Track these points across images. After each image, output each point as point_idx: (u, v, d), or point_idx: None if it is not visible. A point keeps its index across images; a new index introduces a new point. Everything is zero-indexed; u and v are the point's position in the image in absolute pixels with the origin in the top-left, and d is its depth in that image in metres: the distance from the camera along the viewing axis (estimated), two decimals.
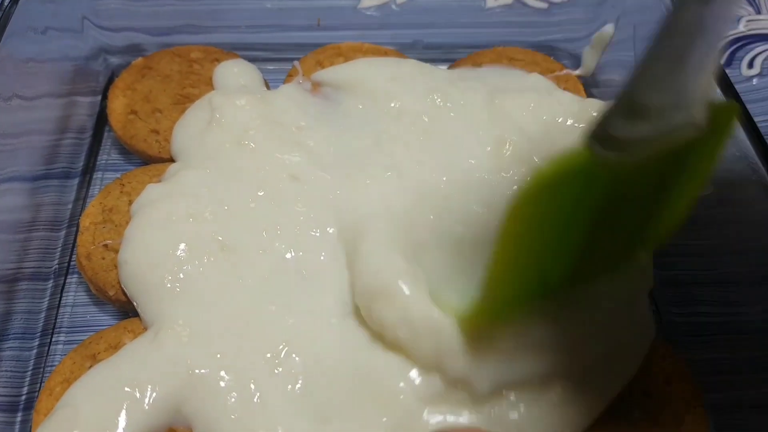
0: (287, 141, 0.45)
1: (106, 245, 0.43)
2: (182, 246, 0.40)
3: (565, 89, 0.50)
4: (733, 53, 0.58)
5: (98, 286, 0.42)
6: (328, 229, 0.42)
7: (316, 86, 0.50)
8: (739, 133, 0.39)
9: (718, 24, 0.25)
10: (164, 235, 0.41)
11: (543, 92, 0.48)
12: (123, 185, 0.46)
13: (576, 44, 0.57)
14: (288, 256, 0.41)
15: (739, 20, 0.60)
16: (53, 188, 0.47)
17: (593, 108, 0.47)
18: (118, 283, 0.41)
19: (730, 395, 0.39)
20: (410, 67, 0.51)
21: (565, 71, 0.54)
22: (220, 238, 0.41)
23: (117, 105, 0.50)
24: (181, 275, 0.39)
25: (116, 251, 0.42)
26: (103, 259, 0.42)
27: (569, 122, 0.46)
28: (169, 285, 0.39)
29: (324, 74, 0.50)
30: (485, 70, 0.52)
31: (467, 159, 0.45)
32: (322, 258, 0.41)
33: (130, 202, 0.44)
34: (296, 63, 0.53)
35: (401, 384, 0.36)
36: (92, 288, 0.43)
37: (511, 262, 0.32)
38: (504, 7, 0.59)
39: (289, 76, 0.52)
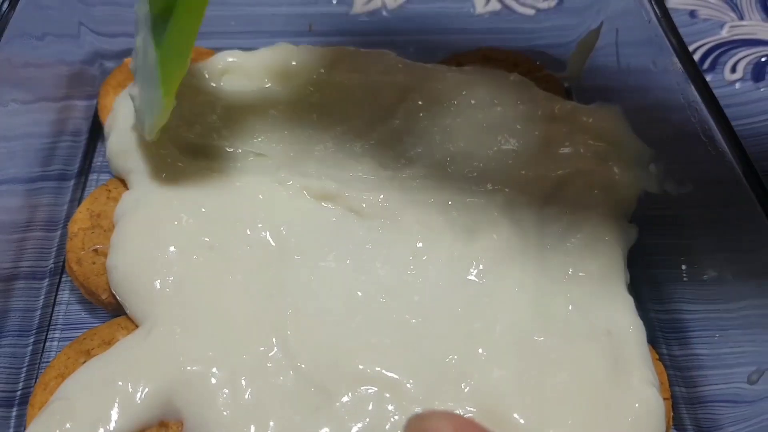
0: (260, 129, 0.47)
1: (96, 250, 0.42)
2: (171, 249, 0.40)
3: (545, 90, 0.51)
4: (716, 58, 0.59)
5: (90, 290, 0.42)
6: None
7: None
8: (716, 135, 0.40)
9: None
10: (150, 239, 0.41)
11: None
12: (109, 191, 0.46)
13: (562, 49, 0.58)
14: (274, 245, 0.41)
15: (722, 26, 0.61)
16: (49, 190, 0.47)
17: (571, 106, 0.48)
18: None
19: (703, 390, 0.40)
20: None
21: (545, 72, 0.54)
22: (207, 239, 0.41)
23: (108, 102, 0.50)
24: (171, 278, 0.39)
25: (106, 255, 0.41)
26: (94, 263, 0.42)
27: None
28: (159, 288, 0.39)
29: None
30: (466, 69, 0.52)
31: None
32: None
33: None
34: None
35: None
36: (83, 292, 0.43)
37: None
38: (492, 13, 0.60)
39: None
